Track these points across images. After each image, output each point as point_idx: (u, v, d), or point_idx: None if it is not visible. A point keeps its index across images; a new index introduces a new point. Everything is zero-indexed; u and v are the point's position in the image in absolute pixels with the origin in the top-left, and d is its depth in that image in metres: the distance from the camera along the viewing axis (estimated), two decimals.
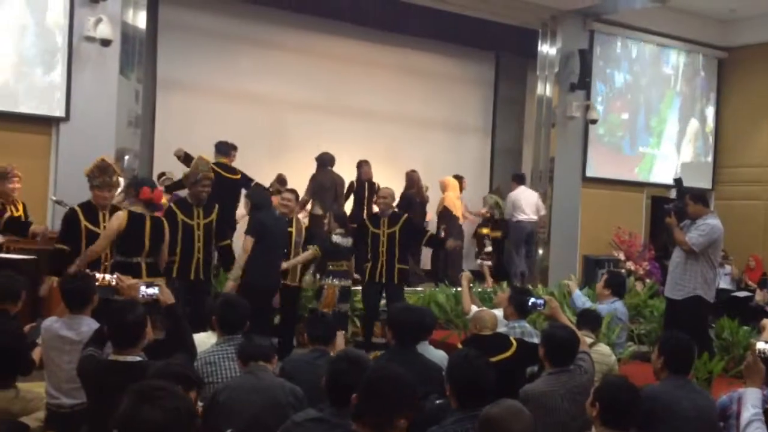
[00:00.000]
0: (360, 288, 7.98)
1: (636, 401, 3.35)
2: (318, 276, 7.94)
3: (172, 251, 6.34)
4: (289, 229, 7.38)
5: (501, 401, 2.92)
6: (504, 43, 12.63)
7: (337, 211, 8.17)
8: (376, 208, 8.50)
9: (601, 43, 12.60)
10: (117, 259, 5.75)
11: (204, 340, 4.72)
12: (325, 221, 8.54)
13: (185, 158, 8.27)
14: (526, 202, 11.23)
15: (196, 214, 6.57)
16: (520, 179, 11.54)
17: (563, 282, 8.19)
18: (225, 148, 8.80)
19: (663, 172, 13.34)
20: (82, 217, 5.89)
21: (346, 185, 10.12)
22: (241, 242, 6.99)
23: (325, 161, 9.69)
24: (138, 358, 3.54)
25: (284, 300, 7.35)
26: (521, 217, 11.19)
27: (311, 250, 7.41)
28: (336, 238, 7.44)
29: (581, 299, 7.20)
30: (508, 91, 13.69)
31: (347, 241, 7.50)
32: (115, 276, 4.73)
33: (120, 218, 5.75)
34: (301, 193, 9.25)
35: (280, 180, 9.75)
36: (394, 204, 8.40)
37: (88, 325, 4.22)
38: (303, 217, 9.48)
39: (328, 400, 3.11)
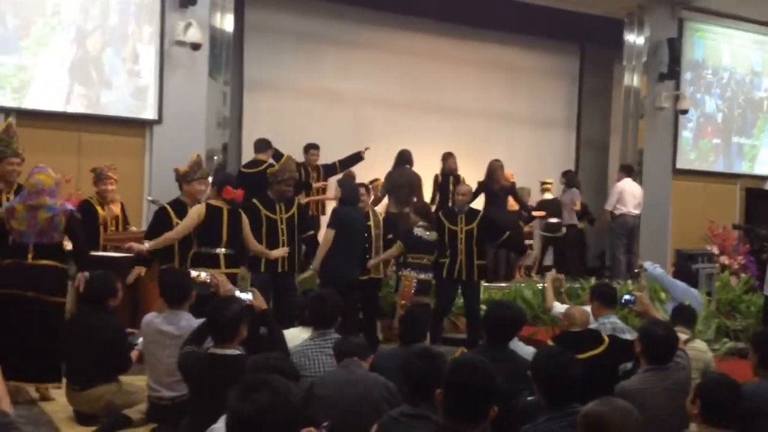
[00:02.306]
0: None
1: (738, 399, 3.25)
2: (397, 268, 7.95)
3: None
4: (368, 223, 7.42)
5: (608, 399, 2.85)
6: (589, 33, 12.41)
7: (418, 204, 8.16)
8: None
9: (690, 31, 12.21)
10: (196, 251, 5.89)
11: (296, 335, 4.80)
12: (407, 215, 8.55)
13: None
14: (631, 195, 10.86)
15: (278, 209, 6.68)
16: (627, 170, 11.11)
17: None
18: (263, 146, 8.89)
19: (759, 164, 12.85)
20: (172, 214, 6.10)
21: (431, 178, 10.10)
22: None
23: (402, 159, 9.67)
24: (237, 352, 3.64)
25: (365, 293, 7.39)
26: (625, 210, 10.87)
27: (395, 247, 7.41)
28: (417, 231, 7.39)
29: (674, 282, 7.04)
30: (594, 82, 13.43)
31: (430, 235, 7.43)
32: (209, 274, 4.88)
33: (199, 210, 5.91)
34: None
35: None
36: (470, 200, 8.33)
37: (187, 320, 4.36)
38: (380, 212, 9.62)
39: (412, 396, 3.14)
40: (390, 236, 7.63)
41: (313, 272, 6.83)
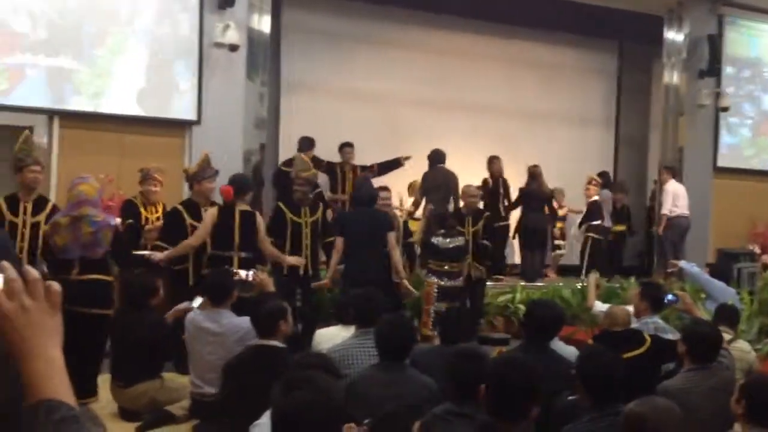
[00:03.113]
0: None
1: None
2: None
3: (281, 248, 6.51)
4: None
5: (649, 398, 2.85)
6: (627, 30, 12.26)
7: (434, 212, 8.17)
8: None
9: (730, 27, 12.03)
10: (211, 253, 5.93)
11: (336, 333, 4.84)
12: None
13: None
14: (682, 196, 10.71)
15: (303, 213, 6.70)
16: (673, 171, 10.97)
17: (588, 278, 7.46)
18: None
19: None
20: (186, 215, 6.15)
21: (465, 178, 10.09)
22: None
23: (436, 158, 9.65)
24: (280, 345, 3.70)
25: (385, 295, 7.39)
26: (678, 211, 10.66)
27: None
28: (435, 239, 7.41)
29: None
30: (633, 80, 13.28)
31: (451, 242, 7.40)
32: (251, 272, 4.94)
33: (211, 213, 5.97)
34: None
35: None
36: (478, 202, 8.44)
37: (228, 317, 4.42)
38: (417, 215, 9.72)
39: (456, 394, 3.14)
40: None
41: (327, 281, 6.75)
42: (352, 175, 9.49)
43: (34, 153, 5.83)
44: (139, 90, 8.66)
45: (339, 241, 6.68)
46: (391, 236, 6.84)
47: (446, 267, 7.37)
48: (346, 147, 9.57)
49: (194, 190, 6.41)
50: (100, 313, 5.19)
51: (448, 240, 7.38)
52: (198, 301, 5.11)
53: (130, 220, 6.72)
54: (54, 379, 1.19)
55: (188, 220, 6.16)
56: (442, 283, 7.36)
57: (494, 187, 10.23)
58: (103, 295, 5.30)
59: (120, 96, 8.57)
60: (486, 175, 10.44)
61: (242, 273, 5.12)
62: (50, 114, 8.31)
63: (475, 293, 7.91)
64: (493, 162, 10.31)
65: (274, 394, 2.09)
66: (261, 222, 6.15)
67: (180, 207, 6.34)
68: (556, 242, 11.37)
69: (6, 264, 1.22)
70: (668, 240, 10.77)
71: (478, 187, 9.77)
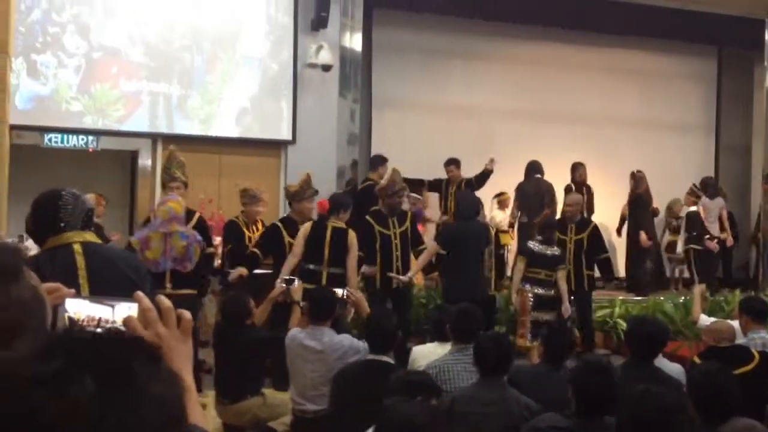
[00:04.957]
0: None
1: None
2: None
3: (371, 262, 6.56)
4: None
5: (736, 421, 2.76)
6: (726, 35, 11.87)
7: (541, 219, 8.06)
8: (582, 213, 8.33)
9: None
10: (302, 267, 6.06)
11: (432, 350, 4.85)
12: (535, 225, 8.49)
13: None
14: None
15: (391, 224, 6.74)
16: None
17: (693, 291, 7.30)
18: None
19: None
20: (284, 233, 6.30)
21: (562, 188, 9.98)
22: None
23: (531, 169, 9.60)
24: (392, 361, 3.78)
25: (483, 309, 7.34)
26: None
27: (520, 263, 7.27)
28: (532, 245, 7.26)
29: None
30: (733, 85, 12.83)
31: (547, 249, 7.28)
32: (345, 290, 5.02)
33: (304, 228, 6.11)
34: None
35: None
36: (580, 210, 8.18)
37: (329, 335, 4.50)
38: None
39: (575, 410, 3.10)
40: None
41: (408, 280, 6.77)
42: (453, 191, 9.45)
43: (171, 170, 6.11)
44: (238, 112, 8.95)
45: (433, 247, 6.78)
46: (487, 250, 6.92)
47: (542, 275, 7.22)
48: (451, 164, 9.50)
49: (294, 209, 6.57)
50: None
51: (544, 247, 7.24)
52: (295, 283, 5.37)
53: (230, 246, 6.91)
54: (191, 404, 1.24)
55: (286, 238, 6.31)
56: (537, 291, 7.18)
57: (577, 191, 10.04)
58: (194, 309, 5.52)
59: (220, 119, 8.89)
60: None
61: (338, 291, 5.20)
62: (154, 138, 8.68)
63: (587, 305, 7.66)
64: (576, 168, 10.13)
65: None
66: (354, 240, 6.23)
67: (279, 223, 6.51)
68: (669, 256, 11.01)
69: (140, 294, 1.30)
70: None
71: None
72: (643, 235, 9.04)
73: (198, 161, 8.75)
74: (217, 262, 6.97)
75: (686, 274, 10.47)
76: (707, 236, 9.84)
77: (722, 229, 10.65)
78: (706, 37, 12.04)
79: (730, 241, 10.64)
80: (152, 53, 8.62)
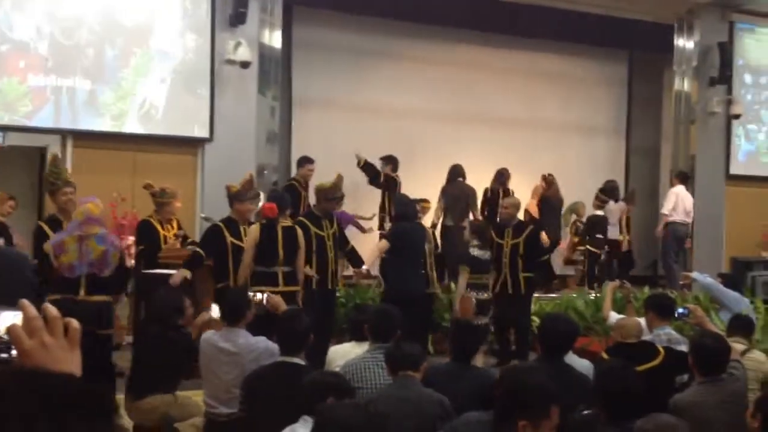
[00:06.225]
0: None
1: None
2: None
3: (308, 263, 6.55)
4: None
5: (654, 416, 2.86)
6: (638, 39, 12.28)
7: (475, 223, 8.15)
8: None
9: (747, 35, 12.04)
10: (255, 270, 5.96)
11: (348, 350, 4.85)
12: (462, 229, 8.57)
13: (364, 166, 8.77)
14: (683, 203, 10.65)
15: (325, 226, 6.75)
16: (683, 178, 10.89)
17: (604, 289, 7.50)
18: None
19: None
20: (227, 233, 6.19)
21: (482, 191, 10.13)
22: None
23: (455, 173, 9.73)
24: (302, 362, 3.75)
25: (422, 308, 7.41)
26: (676, 218, 10.65)
27: (464, 274, 7.36)
28: (474, 251, 7.37)
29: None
30: (643, 89, 13.28)
31: (486, 254, 7.40)
32: (265, 295, 4.98)
33: (252, 232, 6.02)
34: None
35: None
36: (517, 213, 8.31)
37: (245, 337, 4.45)
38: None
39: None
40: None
41: (367, 271, 6.95)
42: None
43: (63, 175, 5.90)
44: (152, 109, 8.75)
45: (383, 244, 6.89)
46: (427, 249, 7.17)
47: (483, 279, 7.34)
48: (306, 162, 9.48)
49: (234, 209, 6.43)
50: (105, 334, 5.25)
51: (482, 252, 7.35)
52: (217, 311, 5.20)
53: (142, 246, 6.78)
54: None
55: (229, 238, 6.20)
56: (481, 296, 7.27)
57: (493, 196, 10.23)
58: (108, 316, 5.38)
59: (134, 115, 8.67)
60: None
61: (258, 296, 5.14)
62: (63, 134, 8.41)
63: (526, 308, 7.71)
64: (501, 174, 10.31)
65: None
66: (302, 237, 6.21)
67: (221, 224, 6.38)
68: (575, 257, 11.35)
69: (26, 302, 1.25)
70: (669, 246, 10.73)
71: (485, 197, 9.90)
72: (543, 235, 9.25)
73: (111, 159, 8.56)
74: (131, 262, 6.80)
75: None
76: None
77: (622, 232, 11.04)
78: (617, 42, 12.42)
79: (626, 245, 11.05)
80: (62, 47, 8.35)
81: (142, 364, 4.96)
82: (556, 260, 11.05)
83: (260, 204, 6.87)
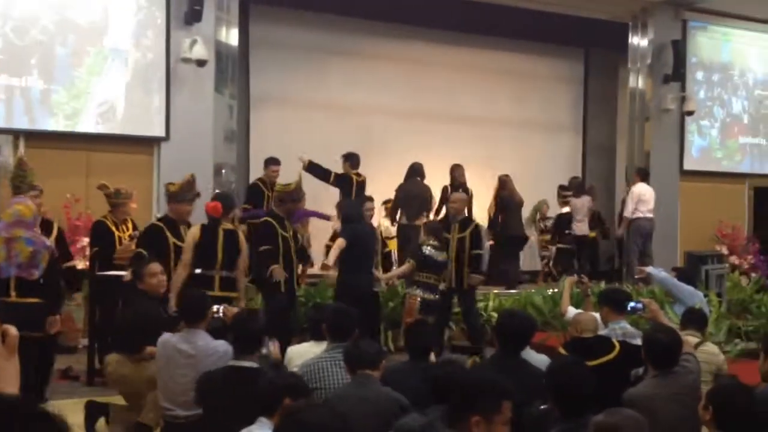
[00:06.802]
0: None
1: (751, 404, 3.24)
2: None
3: (276, 263, 6.47)
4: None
5: (616, 410, 2.88)
6: (593, 38, 12.43)
7: (430, 223, 8.17)
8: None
9: (700, 32, 12.26)
10: (193, 272, 5.86)
11: (307, 350, 4.83)
12: (419, 227, 8.58)
13: (310, 167, 8.73)
14: (646, 199, 10.79)
15: (288, 227, 6.70)
16: (642, 174, 11.05)
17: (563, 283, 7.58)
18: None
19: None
20: (168, 233, 6.08)
21: (440, 190, 10.14)
22: None
23: (413, 171, 9.70)
24: (256, 365, 3.72)
25: (370, 305, 7.41)
26: (641, 214, 10.76)
27: (408, 264, 7.41)
28: (427, 250, 7.38)
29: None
30: (599, 86, 13.45)
31: (439, 254, 7.40)
32: (222, 306, 4.92)
33: (192, 234, 5.91)
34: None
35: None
36: (465, 209, 8.36)
37: (204, 339, 4.39)
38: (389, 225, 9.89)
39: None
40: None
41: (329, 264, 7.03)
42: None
43: (29, 178, 5.78)
44: (106, 108, 8.61)
45: (343, 242, 6.85)
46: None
47: (433, 280, 7.34)
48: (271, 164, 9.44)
49: (171, 209, 6.32)
50: (37, 337, 5.10)
51: (437, 253, 7.34)
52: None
53: (96, 248, 6.69)
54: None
55: (171, 238, 6.07)
56: (427, 296, 7.26)
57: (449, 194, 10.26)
58: (40, 318, 5.24)
59: (88, 115, 8.53)
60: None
61: (214, 308, 5.05)
62: (16, 134, 8.24)
63: (470, 301, 7.78)
64: (454, 170, 10.32)
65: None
66: (244, 241, 6.10)
67: (161, 224, 6.26)
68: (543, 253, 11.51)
69: None
70: (633, 243, 10.88)
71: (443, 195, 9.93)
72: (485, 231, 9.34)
73: (64, 159, 8.40)
74: (85, 263, 6.69)
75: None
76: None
77: (592, 226, 11.21)
78: (573, 40, 12.56)
79: (599, 238, 11.24)
80: (12, 46, 8.18)
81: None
82: (526, 259, 11.22)
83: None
